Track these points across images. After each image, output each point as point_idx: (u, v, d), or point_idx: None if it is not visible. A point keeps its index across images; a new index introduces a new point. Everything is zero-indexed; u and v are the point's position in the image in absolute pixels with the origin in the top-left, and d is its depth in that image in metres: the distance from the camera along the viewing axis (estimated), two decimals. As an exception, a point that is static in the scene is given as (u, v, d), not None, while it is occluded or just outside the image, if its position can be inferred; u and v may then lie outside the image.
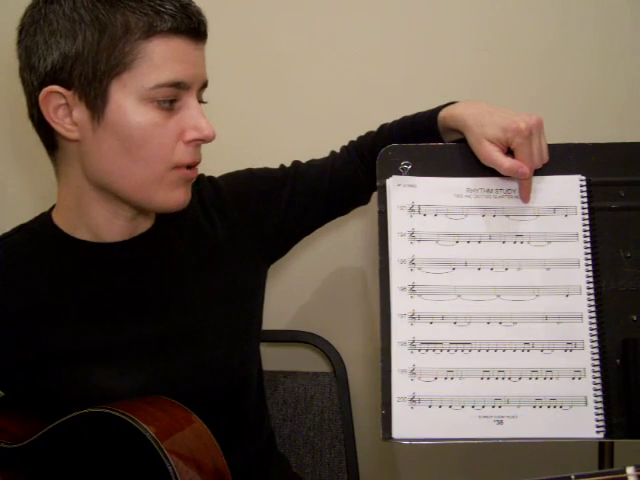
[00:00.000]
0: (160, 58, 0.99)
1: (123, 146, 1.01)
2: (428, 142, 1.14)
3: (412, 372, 1.04)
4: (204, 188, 1.22)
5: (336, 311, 1.62)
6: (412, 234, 1.08)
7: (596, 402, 1.03)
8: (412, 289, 1.06)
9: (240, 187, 1.24)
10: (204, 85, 1.07)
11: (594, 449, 1.09)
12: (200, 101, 1.07)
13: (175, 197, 1.06)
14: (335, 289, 1.63)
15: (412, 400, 1.03)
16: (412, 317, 1.06)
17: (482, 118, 1.09)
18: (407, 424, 1.02)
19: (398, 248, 1.08)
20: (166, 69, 0.99)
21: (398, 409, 1.03)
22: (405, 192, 1.10)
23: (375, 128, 1.27)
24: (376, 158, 1.13)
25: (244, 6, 1.54)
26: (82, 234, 1.10)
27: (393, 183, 1.10)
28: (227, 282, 1.18)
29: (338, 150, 1.30)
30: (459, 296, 1.06)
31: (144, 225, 1.14)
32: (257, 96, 1.55)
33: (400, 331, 1.05)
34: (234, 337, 1.16)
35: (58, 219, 1.11)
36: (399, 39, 1.53)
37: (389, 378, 1.04)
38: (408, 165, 1.11)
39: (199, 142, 1.05)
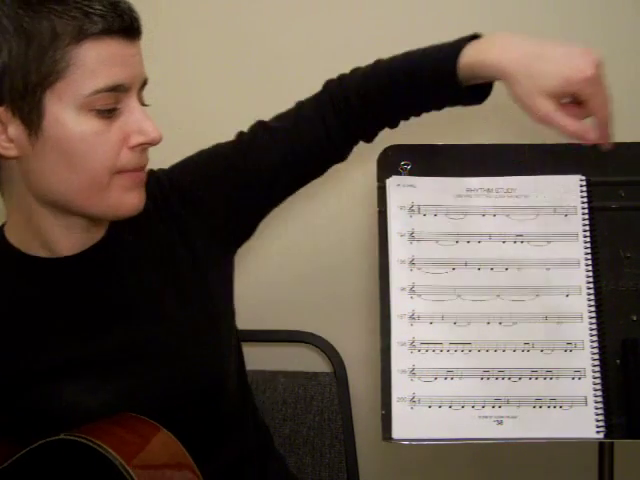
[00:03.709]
0: (94, 62, 0.92)
1: (65, 159, 0.95)
2: (440, 91, 1.05)
3: (412, 372, 1.04)
4: (151, 187, 1.11)
5: (336, 311, 1.61)
6: (412, 234, 1.08)
7: (596, 402, 1.03)
8: (412, 289, 1.06)
9: (182, 180, 1.15)
10: (144, 84, 1.00)
11: (594, 449, 1.09)
12: (142, 103, 1.00)
13: (128, 201, 1.00)
14: (335, 289, 1.63)
15: (412, 400, 1.03)
16: (412, 317, 1.05)
17: (530, 66, 0.93)
18: (407, 424, 1.02)
19: (398, 248, 1.08)
20: (102, 73, 0.93)
21: (398, 409, 1.02)
22: (405, 192, 1.09)
23: None
24: (366, 103, 1.06)
25: (244, 5, 1.54)
26: (37, 250, 1.05)
27: (393, 183, 1.10)
28: (188, 283, 1.11)
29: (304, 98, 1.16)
30: (459, 296, 1.06)
31: (98, 234, 1.08)
32: (257, 96, 1.55)
33: (400, 331, 1.05)
34: (201, 340, 1.10)
35: (11, 237, 1.06)
36: (401, 37, 1.51)
37: (389, 378, 1.03)
38: (408, 165, 1.11)
39: (145, 146, 0.99)
